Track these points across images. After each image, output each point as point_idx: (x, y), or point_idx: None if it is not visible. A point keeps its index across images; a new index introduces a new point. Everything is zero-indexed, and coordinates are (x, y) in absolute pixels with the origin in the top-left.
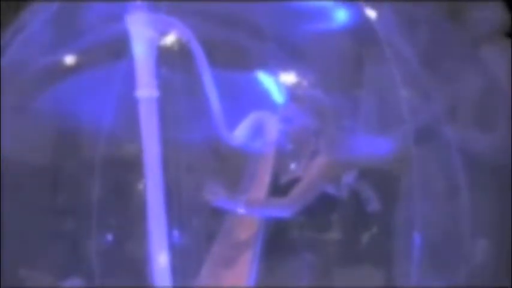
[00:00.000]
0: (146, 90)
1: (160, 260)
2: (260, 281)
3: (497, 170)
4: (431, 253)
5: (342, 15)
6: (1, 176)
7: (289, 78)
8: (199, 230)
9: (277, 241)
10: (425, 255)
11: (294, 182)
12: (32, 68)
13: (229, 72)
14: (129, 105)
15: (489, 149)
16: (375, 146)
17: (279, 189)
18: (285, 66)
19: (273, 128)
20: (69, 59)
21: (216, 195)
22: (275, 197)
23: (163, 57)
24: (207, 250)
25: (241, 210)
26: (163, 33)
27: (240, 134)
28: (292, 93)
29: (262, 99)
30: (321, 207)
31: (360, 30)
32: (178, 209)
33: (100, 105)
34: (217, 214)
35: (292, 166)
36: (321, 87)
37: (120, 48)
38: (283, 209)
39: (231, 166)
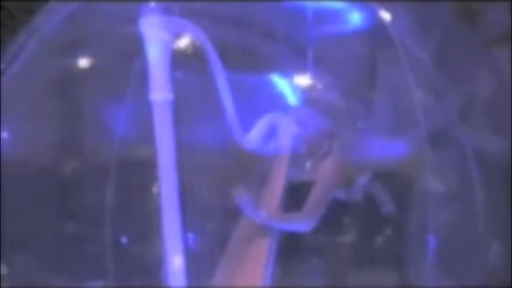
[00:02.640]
0: (160, 93)
1: (175, 262)
2: (275, 282)
3: (510, 171)
4: (445, 255)
5: (355, 18)
6: (15, 178)
7: (303, 80)
8: (214, 232)
9: (292, 243)
10: (439, 256)
11: (306, 185)
12: (46, 70)
13: (243, 75)
14: (144, 108)
15: (502, 149)
16: (388, 148)
17: (291, 191)
18: (299, 68)
19: (287, 129)
20: (83, 62)
21: (241, 201)
22: (288, 199)
23: (178, 59)
24: (222, 252)
25: (261, 220)
26: (177, 35)
27: (254, 136)
28: (305, 95)
29: (276, 102)
30: (335, 210)
31: (374, 32)
32: (192, 211)
33: (115, 109)
34: (232, 216)
35: (305, 168)
36: (335, 89)
37: (134, 51)
38: (303, 223)
39: (246, 168)
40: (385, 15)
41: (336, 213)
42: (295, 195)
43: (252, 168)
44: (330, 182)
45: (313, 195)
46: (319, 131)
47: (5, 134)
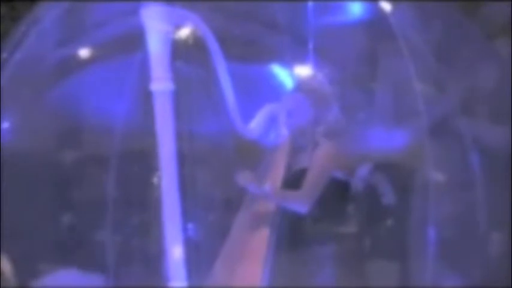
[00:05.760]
0: (161, 83)
1: (175, 253)
2: (275, 275)
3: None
4: (446, 247)
5: (357, 9)
6: (15, 168)
7: (304, 71)
8: (214, 222)
9: (292, 235)
10: (440, 249)
11: (301, 172)
12: (47, 61)
13: (244, 65)
14: (145, 99)
15: (504, 142)
16: (389, 140)
17: (288, 180)
18: (300, 59)
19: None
20: (84, 53)
21: (247, 181)
22: (286, 188)
23: (178, 50)
24: (222, 243)
25: (265, 198)
26: (178, 26)
27: (255, 126)
28: (294, 84)
29: (277, 92)
30: (336, 201)
31: (375, 23)
32: (193, 202)
33: (115, 99)
34: (232, 207)
35: (301, 157)
36: (336, 80)
37: (135, 41)
38: (299, 202)
39: (247, 159)
40: (387, 7)
41: (337, 204)
42: (292, 184)
43: (252, 159)
44: (321, 166)
45: (306, 179)
46: (307, 118)
47: (5, 124)
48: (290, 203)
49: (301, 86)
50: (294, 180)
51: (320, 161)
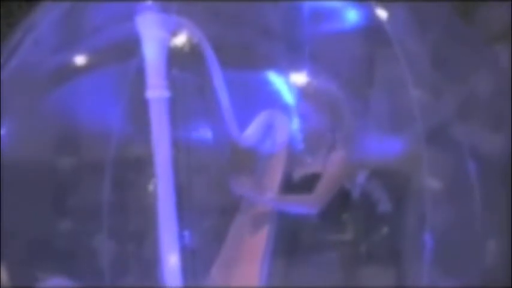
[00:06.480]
0: (156, 90)
1: (171, 260)
2: (271, 282)
3: (508, 170)
4: (443, 254)
5: (353, 15)
6: (11, 175)
7: (300, 78)
8: (210, 230)
9: (287, 242)
10: (436, 255)
11: (312, 177)
12: (42, 67)
13: (240, 72)
14: (140, 106)
15: (500, 148)
16: (386, 146)
17: (293, 185)
18: (296, 66)
19: (284, 126)
20: (80, 59)
21: (244, 188)
22: (288, 194)
23: (174, 57)
24: (218, 250)
25: (267, 204)
26: (174, 33)
27: (250, 133)
28: (305, 91)
29: (273, 99)
30: (336, 208)
31: (371, 30)
32: (189, 209)
33: (111, 106)
34: (229, 214)
35: (309, 161)
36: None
37: (130, 48)
38: (310, 206)
39: (242, 166)
40: (383, 13)
41: (336, 210)
42: (302, 189)
43: (248, 166)
44: (337, 171)
45: (321, 182)
46: (321, 124)
47: (1, 131)
48: (298, 207)
49: (311, 93)
50: (303, 185)
51: (337, 166)
